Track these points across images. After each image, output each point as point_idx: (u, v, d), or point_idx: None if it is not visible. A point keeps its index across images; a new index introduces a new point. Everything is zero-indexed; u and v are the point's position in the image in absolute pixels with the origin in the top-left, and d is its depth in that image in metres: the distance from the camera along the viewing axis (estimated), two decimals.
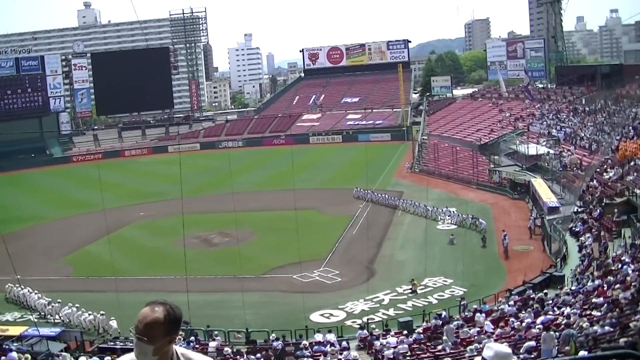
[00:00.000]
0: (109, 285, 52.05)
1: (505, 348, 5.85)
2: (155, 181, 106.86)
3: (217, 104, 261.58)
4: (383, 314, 46.79)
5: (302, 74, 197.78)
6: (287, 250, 60.02)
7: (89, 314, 46.44)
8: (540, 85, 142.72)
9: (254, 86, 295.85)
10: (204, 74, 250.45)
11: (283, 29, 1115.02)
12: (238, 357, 34.14)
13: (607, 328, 28.50)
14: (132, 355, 5.22)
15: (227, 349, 35.06)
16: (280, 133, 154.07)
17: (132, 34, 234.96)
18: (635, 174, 64.49)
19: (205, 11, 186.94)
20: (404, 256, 61.17)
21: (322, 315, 47.38)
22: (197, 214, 75.49)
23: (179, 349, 5.30)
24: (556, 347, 27.50)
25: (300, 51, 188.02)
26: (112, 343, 38.39)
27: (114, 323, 44.09)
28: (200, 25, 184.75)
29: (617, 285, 37.36)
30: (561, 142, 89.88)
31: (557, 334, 28.93)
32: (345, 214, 77.33)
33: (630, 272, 40.05)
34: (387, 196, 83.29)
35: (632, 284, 36.34)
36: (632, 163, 67.94)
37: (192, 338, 37.60)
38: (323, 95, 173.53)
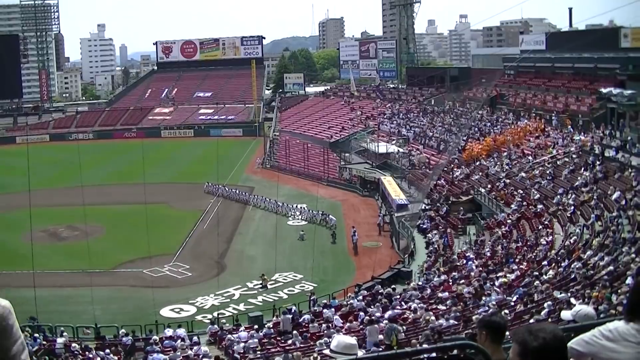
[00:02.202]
0: None
1: (349, 339, 5.96)
2: (1, 173, 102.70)
3: (67, 94, 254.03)
4: (233, 308, 46.72)
5: (155, 67, 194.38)
6: (137, 245, 58.75)
7: None
8: (392, 86, 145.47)
9: (105, 78, 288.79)
10: (55, 64, 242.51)
11: (137, 21, 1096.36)
12: (86, 353, 33.18)
13: (451, 321, 29.34)
14: None
15: (75, 345, 34.01)
16: (132, 126, 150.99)
17: None
18: (480, 173, 66.73)
19: None
20: (255, 251, 61.26)
21: (172, 310, 46.95)
22: (46, 207, 73.12)
23: None
24: (380, 339, 28.11)
25: (153, 44, 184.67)
26: None
27: None
28: (52, 14, 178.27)
29: (462, 281, 38.51)
30: (410, 142, 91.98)
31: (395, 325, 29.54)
32: (196, 208, 76.63)
33: (474, 267, 41.37)
34: (238, 191, 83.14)
35: (475, 279, 37.49)
36: (477, 163, 70.31)
37: (39, 334, 36.23)
38: (176, 89, 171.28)
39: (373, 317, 31.99)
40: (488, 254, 45.61)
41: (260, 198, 78.63)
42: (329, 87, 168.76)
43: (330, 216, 67.75)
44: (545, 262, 38.04)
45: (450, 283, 39.02)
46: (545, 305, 27.30)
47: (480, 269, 40.89)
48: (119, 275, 55.36)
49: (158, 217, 69.09)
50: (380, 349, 24.73)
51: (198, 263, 57.91)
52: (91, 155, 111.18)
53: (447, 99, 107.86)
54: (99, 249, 59.20)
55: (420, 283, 42.56)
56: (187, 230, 67.89)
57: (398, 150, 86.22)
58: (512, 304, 31.00)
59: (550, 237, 43.94)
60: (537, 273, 35.41)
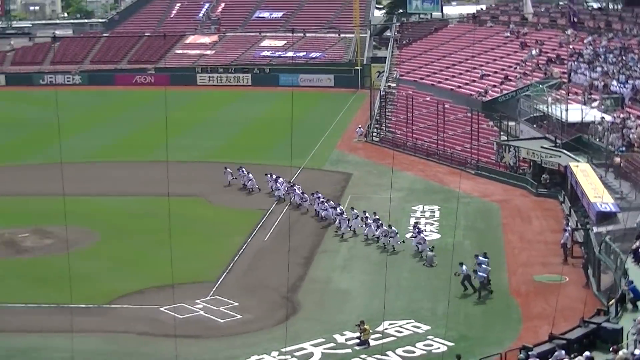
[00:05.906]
0: None
1: None
2: None
3: (37, 7, 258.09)
4: None
5: None
6: (151, 265, 59.44)
7: None
8: (595, 5, 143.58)
9: None
10: None
11: None
12: None
13: None
14: None
15: None
16: (147, 65, 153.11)
17: None
18: None
19: None
20: (348, 283, 61.02)
21: None
22: None
23: None
24: None
25: None
26: None
27: None
28: None
29: None
30: (625, 104, 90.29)
31: None
32: (253, 206, 77.12)
33: None
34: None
35: None
36: None
37: None
38: (222, 4, 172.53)
39: None
40: None
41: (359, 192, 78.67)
42: (483, 7, 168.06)
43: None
44: None
45: None
46: None
47: None
48: (119, 315, 55.38)
49: (187, 218, 69.88)
50: None
51: (253, 298, 57.88)
52: (76, 112, 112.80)
53: None
54: (87, 270, 59.75)
55: (637, 352, 41.76)
56: (236, 243, 68.19)
57: (602, 118, 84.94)
58: None
59: None
60: None
